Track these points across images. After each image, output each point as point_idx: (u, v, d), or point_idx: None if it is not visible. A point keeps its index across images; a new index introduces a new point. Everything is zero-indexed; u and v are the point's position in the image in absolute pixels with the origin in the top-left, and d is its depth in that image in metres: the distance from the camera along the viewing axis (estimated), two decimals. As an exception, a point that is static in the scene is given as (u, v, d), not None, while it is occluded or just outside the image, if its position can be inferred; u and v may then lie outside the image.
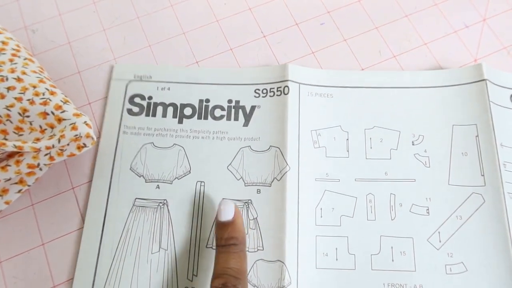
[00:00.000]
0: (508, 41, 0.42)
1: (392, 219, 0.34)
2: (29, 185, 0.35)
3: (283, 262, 0.32)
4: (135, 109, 0.38)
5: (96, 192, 0.35)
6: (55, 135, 0.33)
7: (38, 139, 0.34)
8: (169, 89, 0.39)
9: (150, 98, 0.39)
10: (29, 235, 0.35)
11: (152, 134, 0.37)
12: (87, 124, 0.34)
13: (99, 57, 0.41)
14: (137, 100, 0.39)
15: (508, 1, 0.44)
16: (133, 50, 0.42)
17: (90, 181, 0.36)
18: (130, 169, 0.36)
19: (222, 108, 0.38)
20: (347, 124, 0.37)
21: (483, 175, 0.34)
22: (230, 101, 0.38)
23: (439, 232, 0.33)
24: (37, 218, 0.36)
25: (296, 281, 0.32)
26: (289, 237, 0.33)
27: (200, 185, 0.36)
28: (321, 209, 0.35)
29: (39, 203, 0.36)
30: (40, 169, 0.35)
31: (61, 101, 0.35)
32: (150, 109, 0.38)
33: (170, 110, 0.38)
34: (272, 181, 0.35)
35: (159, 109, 0.38)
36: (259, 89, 0.38)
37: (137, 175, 0.36)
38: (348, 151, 0.36)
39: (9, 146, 0.32)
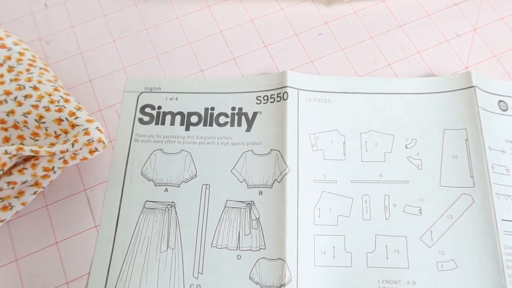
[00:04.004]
0: (498, 49, 0.44)
1: (386, 219, 0.36)
2: (43, 187, 0.37)
3: (284, 260, 0.34)
4: (146, 118, 0.41)
5: (111, 196, 0.38)
6: (69, 140, 0.35)
7: (53, 144, 0.36)
8: (177, 99, 0.41)
9: (159, 107, 0.41)
10: (44, 234, 0.37)
11: (161, 141, 0.40)
12: (99, 130, 0.36)
13: (109, 66, 0.44)
14: (147, 110, 0.41)
15: (497, 11, 0.46)
16: (141, 60, 0.44)
17: (101, 183, 0.39)
18: (141, 174, 0.38)
19: (226, 115, 0.40)
20: (344, 128, 0.39)
21: (472, 177, 0.36)
22: (233, 108, 0.41)
23: (431, 231, 0.35)
24: (51, 218, 0.38)
25: (296, 278, 0.34)
26: (290, 236, 0.35)
27: (206, 188, 0.38)
28: (319, 209, 0.37)
29: (53, 204, 0.38)
30: (54, 172, 0.37)
31: (75, 108, 0.37)
32: (159, 118, 0.41)
33: (178, 118, 0.40)
34: (273, 183, 0.37)
35: (168, 118, 0.41)
36: (260, 96, 0.41)
37: (147, 179, 0.38)
38: (344, 154, 0.38)
39: (27, 151, 0.34)
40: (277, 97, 0.40)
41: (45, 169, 0.36)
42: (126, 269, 0.35)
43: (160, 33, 0.45)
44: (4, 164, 0.34)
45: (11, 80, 0.38)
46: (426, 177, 0.37)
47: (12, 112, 0.37)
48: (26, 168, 0.35)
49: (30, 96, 0.37)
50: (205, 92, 0.41)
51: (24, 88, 0.37)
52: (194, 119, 0.40)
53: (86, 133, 0.35)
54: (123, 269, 0.35)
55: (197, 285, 0.35)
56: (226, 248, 0.36)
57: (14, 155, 0.35)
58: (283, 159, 0.37)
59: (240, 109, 0.40)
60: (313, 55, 0.44)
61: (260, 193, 0.37)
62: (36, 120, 0.36)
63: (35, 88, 0.37)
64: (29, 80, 0.38)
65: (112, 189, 0.38)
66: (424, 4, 0.46)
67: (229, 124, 0.40)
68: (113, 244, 0.36)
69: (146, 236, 0.36)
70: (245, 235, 0.36)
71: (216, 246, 0.36)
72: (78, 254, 0.36)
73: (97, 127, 0.36)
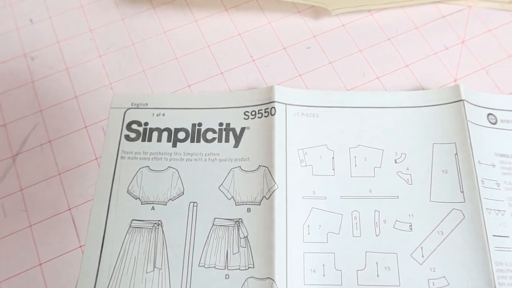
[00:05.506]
0: (486, 62, 0.44)
1: (376, 235, 0.36)
2: None
3: (273, 279, 0.34)
4: (132, 135, 0.40)
5: (96, 215, 0.37)
6: None
7: None
8: (163, 115, 0.41)
9: (146, 124, 0.40)
10: (27, 255, 0.36)
11: (148, 158, 0.39)
12: None
13: (95, 82, 0.43)
14: (134, 126, 0.40)
15: (485, 23, 0.46)
16: (128, 75, 0.44)
17: (86, 202, 0.38)
18: (127, 192, 0.38)
19: (214, 131, 0.40)
20: (333, 143, 0.39)
21: (462, 192, 0.36)
22: (221, 124, 0.40)
23: (421, 248, 0.35)
24: (34, 238, 0.37)
25: (286, 297, 0.33)
26: (278, 255, 0.34)
27: (193, 206, 0.37)
28: (308, 226, 0.36)
29: (37, 224, 0.37)
30: None
31: None
32: (146, 135, 0.40)
33: (164, 134, 0.40)
34: (262, 199, 0.36)
35: (155, 134, 0.40)
36: (248, 111, 0.40)
37: (134, 197, 0.37)
38: (333, 169, 0.38)
39: None
40: (265, 112, 0.39)
41: None
42: (111, 291, 0.34)
43: (147, 48, 0.45)
44: None
45: None
46: (416, 192, 0.37)
47: None
48: None
49: None
50: (193, 107, 0.41)
51: None
52: (181, 135, 0.40)
53: None
54: (108, 291, 0.34)
55: (184, 307, 0.34)
56: (214, 267, 0.35)
57: None
58: (271, 175, 0.37)
59: (228, 124, 0.40)
60: (301, 69, 0.44)
61: (249, 210, 0.36)
62: None
63: None
64: None
65: (98, 208, 0.37)
66: (412, 17, 0.46)
67: (216, 140, 0.40)
68: (99, 265, 0.35)
69: (133, 256, 0.36)
70: (233, 254, 0.35)
71: (203, 266, 0.35)
72: (63, 275, 0.36)
73: None
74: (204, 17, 0.47)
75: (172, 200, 0.37)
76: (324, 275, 0.34)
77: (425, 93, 0.40)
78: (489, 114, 0.39)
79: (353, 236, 0.36)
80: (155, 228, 0.36)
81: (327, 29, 0.46)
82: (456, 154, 0.37)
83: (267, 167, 0.37)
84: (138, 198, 0.37)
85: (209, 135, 0.40)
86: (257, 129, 0.39)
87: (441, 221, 0.35)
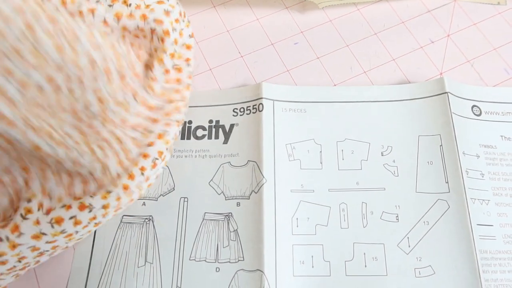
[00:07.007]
0: (471, 55, 0.45)
1: (364, 227, 0.36)
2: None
3: (262, 271, 0.34)
4: None
5: None
6: None
7: None
8: None
9: None
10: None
11: None
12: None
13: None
14: None
15: (470, 17, 0.47)
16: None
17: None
18: None
19: (204, 128, 0.40)
20: (320, 137, 0.39)
21: (447, 182, 0.37)
22: (211, 121, 0.41)
23: (408, 238, 0.36)
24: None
25: (275, 289, 0.34)
26: (268, 247, 0.35)
27: (184, 201, 0.38)
28: (297, 219, 0.37)
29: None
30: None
31: None
32: None
33: None
34: (250, 194, 0.37)
35: None
36: (237, 108, 0.41)
37: (123, 193, 0.38)
38: (321, 163, 0.38)
39: None
40: (253, 108, 0.40)
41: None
42: (103, 286, 0.35)
43: (137, 46, 0.45)
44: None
45: None
46: (402, 184, 0.37)
47: None
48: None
49: None
50: None
51: None
52: (171, 132, 0.40)
53: None
54: (101, 286, 0.35)
55: (176, 300, 0.34)
56: (205, 260, 0.36)
57: None
58: (259, 170, 0.37)
59: (217, 121, 0.41)
60: (289, 64, 0.44)
61: (238, 204, 0.37)
62: None
63: None
64: None
65: None
66: (398, 12, 0.47)
67: (206, 136, 0.40)
68: (90, 260, 0.36)
69: (124, 251, 0.36)
70: (223, 247, 0.36)
71: (194, 259, 0.36)
72: (54, 271, 0.36)
73: None
74: (192, 14, 0.47)
75: (163, 196, 0.38)
76: (313, 267, 0.35)
77: (411, 86, 0.41)
78: (474, 106, 0.40)
79: (341, 228, 0.36)
80: (146, 223, 0.37)
81: (315, 25, 0.46)
82: (441, 145, 0.38)
83: (255, 162, 0.38)
84: (129, 194, 0.38)
85: (199, 132, 0.40)
86: (245, 125, 0.40)
87: (427, 212, 0.36)
